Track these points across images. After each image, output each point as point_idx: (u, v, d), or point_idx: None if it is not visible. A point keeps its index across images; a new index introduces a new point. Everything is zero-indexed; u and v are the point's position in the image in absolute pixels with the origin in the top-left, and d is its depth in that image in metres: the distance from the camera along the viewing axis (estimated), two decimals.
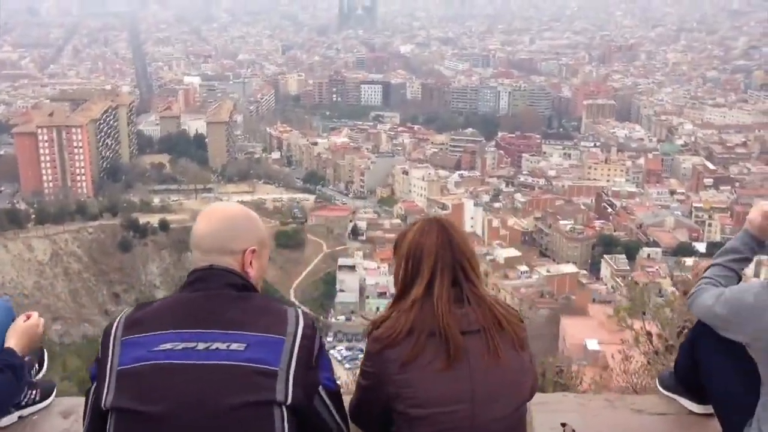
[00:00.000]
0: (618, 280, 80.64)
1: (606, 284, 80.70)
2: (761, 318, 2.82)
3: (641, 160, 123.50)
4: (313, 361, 2.33)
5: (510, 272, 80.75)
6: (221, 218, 2.50)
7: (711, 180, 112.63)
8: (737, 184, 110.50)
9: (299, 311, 2.42)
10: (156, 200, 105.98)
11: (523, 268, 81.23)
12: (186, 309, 2.32)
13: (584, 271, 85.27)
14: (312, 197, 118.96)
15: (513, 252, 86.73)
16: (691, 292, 3.30)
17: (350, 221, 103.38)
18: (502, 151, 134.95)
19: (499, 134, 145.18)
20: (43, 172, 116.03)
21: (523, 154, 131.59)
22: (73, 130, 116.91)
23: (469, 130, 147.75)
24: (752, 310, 2.85)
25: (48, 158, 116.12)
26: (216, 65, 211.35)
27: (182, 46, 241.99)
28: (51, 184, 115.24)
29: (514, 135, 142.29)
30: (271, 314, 2.34)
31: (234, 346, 2.22)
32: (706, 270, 3.31)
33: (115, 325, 2.37)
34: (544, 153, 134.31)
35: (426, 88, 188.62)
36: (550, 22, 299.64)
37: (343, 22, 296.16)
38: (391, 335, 2.59)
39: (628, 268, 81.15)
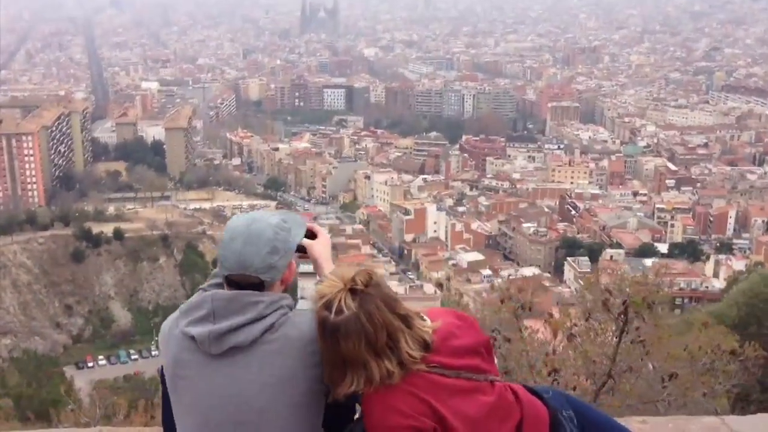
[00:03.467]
0: (581, 282, 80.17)
1: (570, 287, 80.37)
2: None
3: (605, 162, 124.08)
4: None
5: (473, 276, 79.76)
6: None
7: (673, 181, 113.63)
8: (699, 185, 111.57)
9: None
10: (111, 209, 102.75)
11: (487, 272, 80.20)
12: None
13: (548, 274, 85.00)
14: (273, 204, 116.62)
15: (476, 256, 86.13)
16: None
17: None
18: (466, 155, 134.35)
19: (464, 137, 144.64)
20: None
21: (488, 158, 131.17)
22: (24, 137, 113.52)
23: (433, 133, 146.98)
24: None
25: None
26: (175, 70, 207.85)
27: (140, 51, 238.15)
28: (1, 194, 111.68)
29: (478, 138, 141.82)
30: None
31: None
32: None
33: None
34: (509, 156, 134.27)
35: (390, 91, 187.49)
36: (514, 25, 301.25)
37: (305, 26, 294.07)
38: None
39: (590, 270, 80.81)
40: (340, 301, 2.04)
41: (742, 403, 7.84)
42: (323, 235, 2.59)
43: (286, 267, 2.30)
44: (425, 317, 2.18)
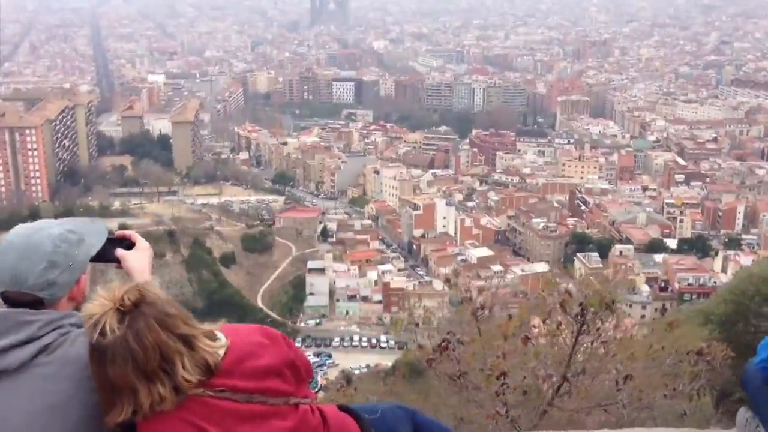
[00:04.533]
0: (591, 278, 79.47)
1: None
2: None
3: (614, 157, 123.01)
4: None
5: (483, 272, 78.69)
6: None
7: (682, 176, 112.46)
8: (708, 180, 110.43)
9: None
10: (116, 204, 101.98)
11: (497, 267, 79.23)
12: None
13: (557, 270, 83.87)
14: (281, 198, 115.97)
15: (486, 251, 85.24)
16: None
17: (320, 223, 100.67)
18: (476, 149, 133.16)
19: (473, 132, 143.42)
20: None
21: (498, 152, 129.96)
22: (27, 131, 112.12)
23: (443, 127, 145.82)
24: None
25: (0, 161, 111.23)
26: (182, 62, 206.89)
27: (146, 43, 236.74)
28: (3, 189, 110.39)
29: (488, 132, 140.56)
30: None
31: None
32: None
33: None
34: (519, 150, 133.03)
35: (399, 85, 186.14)
36: (525, 18, 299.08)
37: (315, 18, 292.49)
38: None
39: (601, 265, 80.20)
40: (106, 321, 1.88)
41: (726, 401, 7.55)
42: (142, 245, 2.42)
43: (73, 282, 2.13)
44: (221, 336, 2.02)
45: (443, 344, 6.64)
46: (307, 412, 2.08)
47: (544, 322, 6.71)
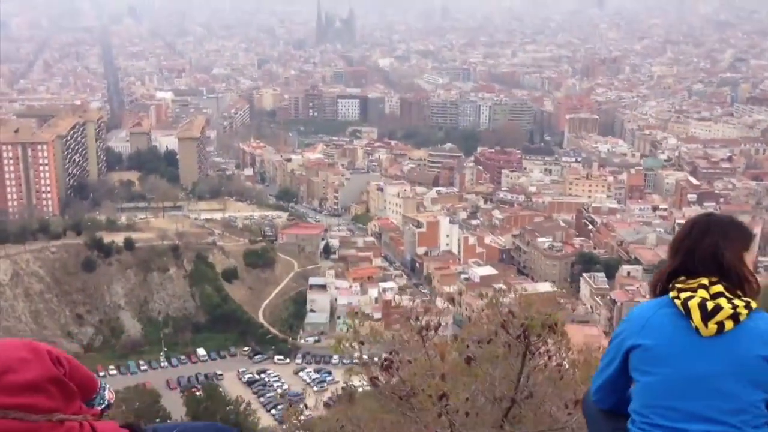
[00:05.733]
0: (597, 299, 78.82)
1: (585, 303, 78.75)
2: None
3: (623, 176, 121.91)
4: None
5: (486, 291, 77.88)
6: None
7: (695, 196, 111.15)
8: (722, 200, 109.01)
9: None
10: (123, 218, 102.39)
11: (500, 286, 78.40)
12: None
13: (562, 290, 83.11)
14: (285, 214, 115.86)
15: (489, 270, 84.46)
16: None
17: (322, 239, 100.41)
18: (481, 167, 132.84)
19: (479, 149, 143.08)
20: (8, 189, 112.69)
21: (503, 170, 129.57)
22: (39, 146, 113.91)
23: (448, 145, 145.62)
24: None
25: (12, 175, 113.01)
26: (190, 79, 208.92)
27: (155, 60, 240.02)
28: (15, 202, 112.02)
29: (494, 150, 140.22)
30: None
31: None
32: None
33: None
34: (525, 168, 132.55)
35: (405, 102, 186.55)
36: (533, 35, 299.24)
37: (321, 36, 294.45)
38: None
39: (608, 286, 79.47)
40: None
41: None
42: None
43: None
44: None
45: (386, 363, 6.66)
46: (73, 429, 2.00)
47: (488, 342, 6.56)
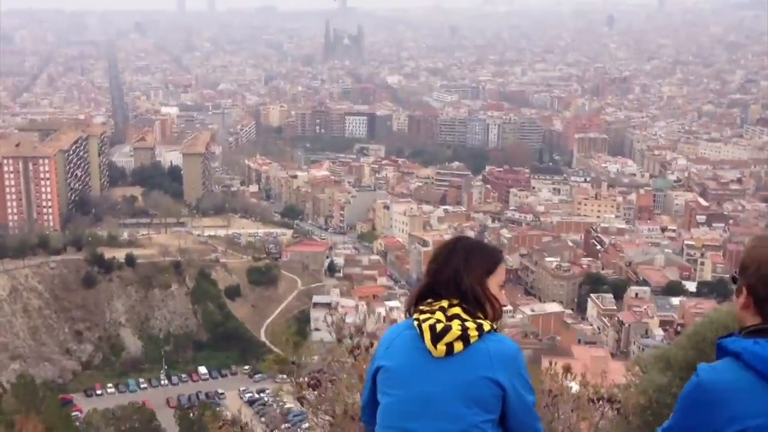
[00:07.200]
0: (605, 320, 77.24)
1: (592, 324, 77.26)
2: None
3: (632, 196, 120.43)
4: None
5: None
6: None
7: (704, 217, 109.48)
8: (731, 222, 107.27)
9: None
10: (125, 234, 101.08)
11: (507, 307, 76.74)
12: None
13: (570, 311, 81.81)
14: (289, 232, 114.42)
15: None
16: None
17: (327, 257, 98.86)
18: (489, 186, 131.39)
19: (487, 168, 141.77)
20: (8, 203, 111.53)
21: (511, 189, 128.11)
22: (40, 160, 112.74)
23: (456, 163, 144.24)
24: None
25: (13, 189, 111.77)
26: (195, 95, 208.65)
27: (161, 75, 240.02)
28: (16, 217, 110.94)
29: (502, 169, 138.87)
30: None
31: None
32: None
33: None
34: (533, 188, 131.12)
35: (413, 120, 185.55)
36: (542, 54, 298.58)
37: (329, 52, 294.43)
38: None
39: (615, 307, 77.95)
40: None
41: None
42: None
43: None
44: None
45: (313, 382, 6.60)
46: None
47: None
